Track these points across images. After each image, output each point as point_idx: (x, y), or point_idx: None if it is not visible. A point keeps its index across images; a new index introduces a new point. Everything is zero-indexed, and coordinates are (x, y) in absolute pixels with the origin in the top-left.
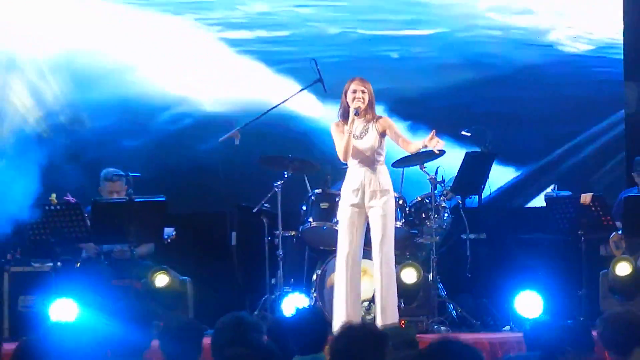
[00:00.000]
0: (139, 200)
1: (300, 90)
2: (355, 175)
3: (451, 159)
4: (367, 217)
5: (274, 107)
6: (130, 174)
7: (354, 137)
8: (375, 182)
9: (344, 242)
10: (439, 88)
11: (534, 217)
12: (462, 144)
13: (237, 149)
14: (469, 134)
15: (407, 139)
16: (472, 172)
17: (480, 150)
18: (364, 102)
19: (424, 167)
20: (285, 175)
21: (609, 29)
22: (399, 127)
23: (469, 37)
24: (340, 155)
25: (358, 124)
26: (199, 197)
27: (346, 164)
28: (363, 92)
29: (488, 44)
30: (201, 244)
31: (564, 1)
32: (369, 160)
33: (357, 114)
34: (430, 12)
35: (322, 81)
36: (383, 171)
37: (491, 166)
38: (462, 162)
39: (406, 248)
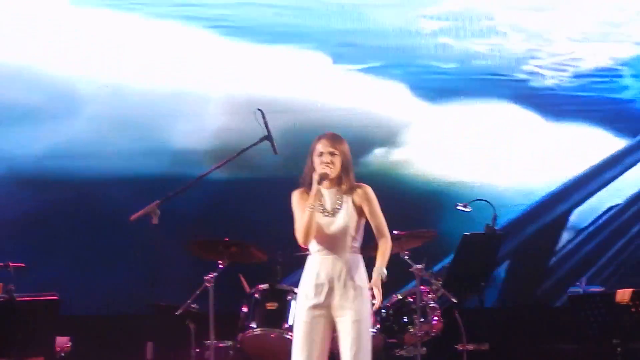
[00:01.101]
0: (21, 300)
1: (242, 151)
2: (319, 265)
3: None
4: (333, 324)
5: (207, 173)
6: (11, 264)
7: (323, 214)
8: (347, 275)
9: (301, 354)
10: None
11: (555, 320)
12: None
13: (155, 230)
14: (467, 209)
15: (380, 233)
16: (472, 261)
17: (482, 232)
18: (333, 168)
19: (407, 255)
20: (220, 266)
21: None
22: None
23: None
24: (299, 237)
25: (328, 196)
26: (104, 294)
27: (306, 250)
28: (332, 154)
29: None
30: (106, 357)
31: None
32: (339, 246)
33: (319, 183)
34: None
35: (272, 139)
36: (357, 262)
37: (497, 253)
38: (458, 248)
39: None
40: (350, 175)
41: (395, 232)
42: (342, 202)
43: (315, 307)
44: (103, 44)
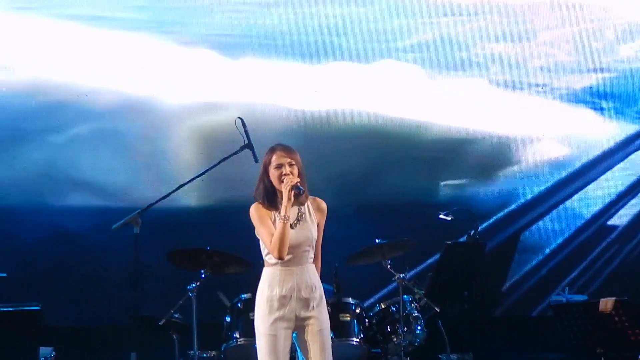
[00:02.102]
0: (3, 310)
1: (223, 160)
2: (283, 277)
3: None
4: (298, 333)
5: (188, 182)
6: None
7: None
8: (310, 286)
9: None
10: None
11: (539, 329)
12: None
13: (137, 240)
14: (448, 218)
15: (318, 252)
16: (454, 271)
17: (464, 241)
18: (296, 179)
19: (389, 264)
20: (203, 276)
21: None
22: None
23: None
24: (275, 250)
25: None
26: (86, 304)
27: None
28: (290, 164)
29: None
30: None
31: None
32: (302, 257)
33: (301, 192)
34: None
35: (252, 147)
36: (314, 272)
37: (481, 261)
38: (440, 257)
39: None
40: (305, 183)
41: (377, 241)
42: (303, 213)
43: (280, 319)
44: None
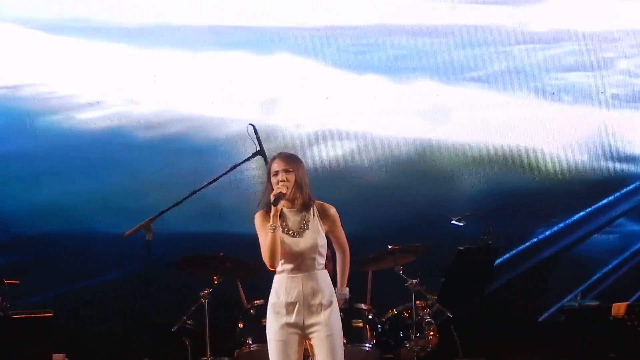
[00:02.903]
0: (17, 316)
1: (235, 167)
2: (289, 284)
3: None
4: (304, 341)
5: (200, 189)
6: (6, 281)
7: (289, 234)
8: (318, 293)
9: None
10: None
11: (551, 333)
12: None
13: (149, 246)
14: (461, 224)
15: (340, 246)
16: (467, 276)
17: (477, 247)
18: (288, 187)
19: (402, 269)
20: (215, 282)
21: None
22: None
23: None
24: (266, 260)
25: (291, 216)
26: (99, 310)
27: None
28: (286, 171)
29: None
30: None
31: None
32: (308, 265)
33: (275, 203)
34: None
35: (264, 153)
36: (325, 277)
37: (493, 266)
38: (453, 262)
39: None
40: (304, 192)
41: (389, 247)
42: (307, 220)
43: (288, 325)
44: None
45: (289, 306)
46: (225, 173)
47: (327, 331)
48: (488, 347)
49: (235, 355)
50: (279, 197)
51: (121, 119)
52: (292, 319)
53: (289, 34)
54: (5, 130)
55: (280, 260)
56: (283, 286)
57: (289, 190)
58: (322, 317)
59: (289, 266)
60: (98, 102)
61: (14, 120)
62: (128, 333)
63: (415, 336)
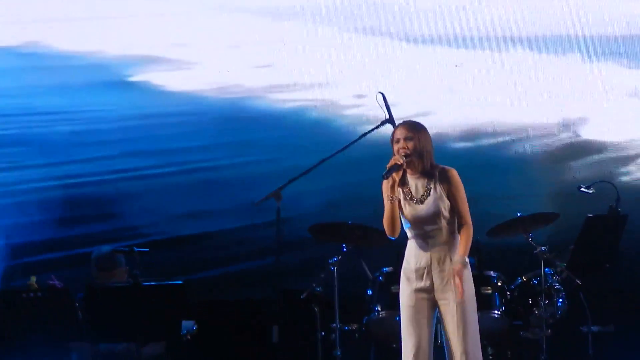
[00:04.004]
0: (148, 284)
1: (364, 135)
2: (417, 250)
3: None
4: (436, 306)
5: (329, 157)
6: (136, 249)
7: (413, 201)
8: (447, 259)
9: (411, 338)
10: None
11: None
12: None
13: (279, 214)
14: (590, 191)
15: (462, 219)
16: (596, 243)
17: (606, 214)
18: (410, 154)
19: (531, 238)
20: (344, 249)
21: None
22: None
23: None
24: (386, 229)
25: (415, 183)
26: (227, 279)
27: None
28: (407, 139)
29: None
30: (232, 341)
31: None
32: (434, 230)
33: (387, 175)
34: None
35: (394, 121)
36: (455, 242)
37: (621, 234)
38: (582, 230)
39: (507, 346)
40: (425, 159)
41: (518, 214)
42: (430, 187)
43: (418, 290)
44: None
45: (419, 271)
46: (355, 141)
47: (457, 298)
48: (617, 315)
49: (364, 322)
50: (393, 168)
51: None
52: (422, 284)
53: None
54: None
55: (411, 226)
56: (412, 252)
57: (405, 160)
58: (451, 283)
59: (416, 232)
60: None
61: None
62: (257, 300)
63: (545, 303)
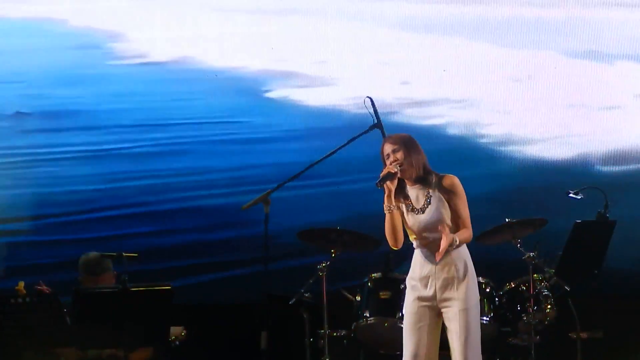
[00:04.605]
0: (136, 289)
1: (352, 139)
2: (422, 259)
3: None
4: (441, 314)
5: (317, 162)
6: (124, 254)
7: (415, 212)
8: (451, 266)
9: (409, 345)
10: None
11: None
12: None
13: (267, 220)
14: (578, 197)
15: (463, 225)
16: (584, 249)
17: (594, 220)
18: (401, 164)
19: (519, 243)
20: (333, 255)
21: None
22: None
23: None
24: (388, 240)
25: (415, 194)
26: (216, 284)
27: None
28: (394, 151)
29: None
30: (220, 347)
31: None
32: (437, 239)
33: (379, 184)
34: None
35: (382, 126)
36: (460, 250)
37: (609, 240)
38: (570, 236)
39: (496, 352)
40: (416, 167)
41: (507, 220)
42: (430, 196)
43: (421, 298)
44: None
45: (423, 280)
46: (343, 146)
47: (460, 305)
48: (606, 321)
49: (352, 327)
50: (387, 176)
51: None
52: (426, 292)
53: None
54: None
55: (414, 236)
56: (417, 260)
57: (399, 169)
58: (455, 290)
59: (420, 241)
60: None
61: None
62: (246, 306)
63: (533, 309)
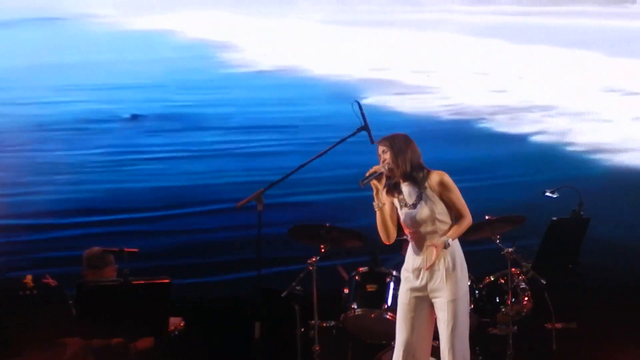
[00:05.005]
0: (137, 282)
1: (341, 141)
2: (416, 252)
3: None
4: (432, 305)
5: (306, 164)
6: (125, 249)
7: (407, 207)
8: (441, 259)
9: (401, 334)
10: None
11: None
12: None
13: (259, 217)
14: (554, 196)
15: (460, 214)
16: (560, 245)
17: (569, 217)
18: (389, 163)
19: (498, 238)
20: (322, 250)
21: None
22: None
23: None
24: (380, 235)
25: (407, 191)
26: (213, 279)
27: (402, 235)
28: (384, 152)
29: None
30: (216, 337)
31: None
32: (428, 233)
33: (363, 183)
34: None
35: (369, 129)
36: (452, 243)
37: (583, 236)
38: (546, 232)
39: (476, 341)
40: (402, 163)
41: (486, 217)
42: (421, 192)
43: (413, 289)
44: None
45: (415, 272)
46: (331, 148)
47: (449, 296)
48: (579, 312)
49: (341, 319)
50: (372, 175)
51: None
52: (417, 283)
53: None
54: None
55: (409, 230)
56: (411, 253)
57: (387, 169)
58: (445, 282)
59: (413, 235)
60: None
61: None
62: (240, 298)
63: (511, 301)
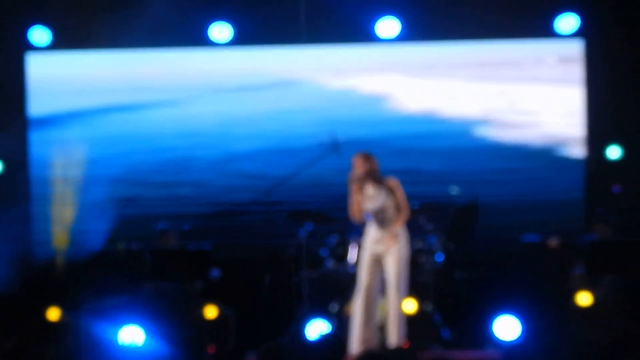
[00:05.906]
0: (188, 249)
1: (315, 160)
2: (376, 228)
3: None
4: (382, 264)
5: (290, 177)
6: (182, 226)
7: (370, 200)
8: (392, 234)
9: (363, 281)
10: None
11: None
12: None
13: (268, 204)
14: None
15: (403, 207)
16: (462, 223)
17: (467, 205)
18: (363, 172)
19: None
20: (310, 228)
21: None
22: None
23: None
24: (354, 217)
25: (371, 188)
26: (240, 244)
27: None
28: (363, 165)
29: None
30: (241, 283)
31: None
32: (384, 216)
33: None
34: None
35: (338, 151)
36: (397, 223)
37: (476, 217)
38: (454, 215)
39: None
40: (372, 174)
41: (415, 208)
42: (379, 190)
43: (373, 254)
44: None
45: (374, 241)
46: (306, 167)
47: (397, 251)
48: (481, 266)
49: (321, 272)
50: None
51: None
52: (375, 249)
53: None
54: None
55: (370, 214)
56: (372, 229)
57: (362, 177)
58: (393, 248)
59: (373, 218)
60: None
61: None
62: (251, 259)
63: (428, 259)
